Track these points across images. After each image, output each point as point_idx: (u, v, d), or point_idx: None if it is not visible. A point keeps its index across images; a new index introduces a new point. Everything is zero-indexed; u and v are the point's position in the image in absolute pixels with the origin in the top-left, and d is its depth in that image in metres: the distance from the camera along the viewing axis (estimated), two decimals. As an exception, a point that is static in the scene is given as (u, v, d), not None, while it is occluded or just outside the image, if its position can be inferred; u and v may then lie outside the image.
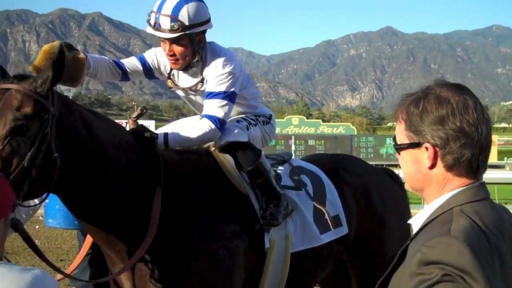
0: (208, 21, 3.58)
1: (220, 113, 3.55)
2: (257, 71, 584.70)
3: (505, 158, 45.82)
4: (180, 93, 3.84)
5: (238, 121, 3.79)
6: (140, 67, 3.72)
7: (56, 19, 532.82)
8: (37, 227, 12.55)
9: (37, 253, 2.93)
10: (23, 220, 3.44)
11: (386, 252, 4.36)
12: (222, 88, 3.57)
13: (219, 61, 3.60)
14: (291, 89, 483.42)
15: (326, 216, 3.99)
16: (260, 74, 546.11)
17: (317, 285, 4.57)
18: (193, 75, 3.68)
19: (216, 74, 3.57)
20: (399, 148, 1.89)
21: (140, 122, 3.65)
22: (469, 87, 1.81)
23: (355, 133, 52.27)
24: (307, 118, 71.32)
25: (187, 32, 3.45)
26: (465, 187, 1.78)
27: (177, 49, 3.49)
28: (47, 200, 3.17)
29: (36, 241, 2.82)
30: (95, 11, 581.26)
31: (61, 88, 3.18)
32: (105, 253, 3.34)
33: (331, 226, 3.99)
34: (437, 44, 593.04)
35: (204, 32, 3.59)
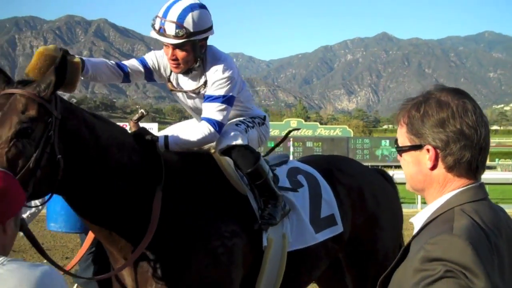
0: (210, 28, 3.58)
1: (219, 117, 3.56)
2: (257, 75, 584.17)
3: (497, 159, 45.87)
4: (180, 95, 3.84)
5: (236, 124, 3.79)
6: (142, 69, 3.70)
7: (63, 26, 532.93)
8: (44, 226, 12.53)
9: (39, 250, 2.95)
10: (27, 221, 3.42)
11: (379, 250, 4.41)
12: (221, 92, 3.58)
13: (220, 65, 3.60)
14: (289, 93, 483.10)
15: (321, 215, 4.02)
16: (260, 78, 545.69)
17: (313, 282, 4.58)
18: (193, 78, 3.68)
19: (216, 79, 3.58)
20: (401, 150, 1.90)
21: (143, 124, 3.67)
22: None
23: (352, 135, 52.37)
24: (305, 121, 71.39)
25: (191, 38, 3.45)
26: (465, 188, 1.80)
27: (180, 54, 3.48)
28: (47, 200, 3.15)
29: (42, 241, 2.59)
30: (100, 18, 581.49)
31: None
32: (108, 250, 3.35)
33: (326, 225, 4.01)
34: (431, 49, 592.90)
35: (206, 38, 3.59)
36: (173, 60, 3.51)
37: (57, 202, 3.78)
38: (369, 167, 5.55)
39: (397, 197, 4.85)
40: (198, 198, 3.46)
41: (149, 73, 3.74)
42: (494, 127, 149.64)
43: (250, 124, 3.86)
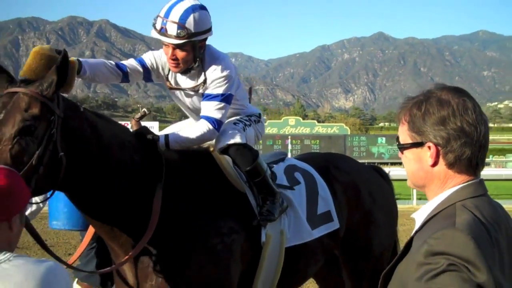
0: (210, 29, 3.57)
1: (217, 115, 3.57)
2: (256, 74, 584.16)
3: (490, 156, 45.86)
4: (178, 94, 3.83)
5: (234, 123, 3.80)
6: (140, 69, 3.69)
7: (65, 26, 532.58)
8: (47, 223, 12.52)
9: (42, 246, 2.98)
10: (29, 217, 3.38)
11: (375, 246, 4.42)
12: (220, 90, 3.58)
13: (218, 64, 3.60)
14: (288, 92, 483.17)
15: (318, 212, 4.02)
16: (259, 77, 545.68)
17: (311, 277, 4.59)
18: (191, 77, 3.68)
19: (214, 78, 3.58)
20: (402, 147, 1.91)
21: (144, 123, 3.66)
22: None
23: (349, 133, 52.36)
24: (303, 119, 71.29)
25: (192, 39, 3.44)
26: (465, 184, 1.81)
27: (180, 54, 3.48)
28: (49, 197, 3.16)
29: (45, 238, 2.63)
30: (102, 19, 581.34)
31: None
32: (110, 246, 3.36)
33: (322, 222, 4.02)
34: (426, 48, 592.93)
35: (205, 39, 3.58)
36: (173, 59, 3.50)
37: (59, 201, 3.81)
38: (366, 164, 5.51)
39: (392, 194, 4.86)
40: (198, 196, 3.46)
41: (147, 73, 3.73)
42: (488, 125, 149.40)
43: (247, 123, 3.86)
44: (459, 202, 1.76)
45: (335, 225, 4.09)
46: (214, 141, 3.72)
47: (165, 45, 3.50)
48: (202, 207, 3.43)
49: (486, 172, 21.95)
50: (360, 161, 5.63)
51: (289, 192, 3.91)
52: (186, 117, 4.19)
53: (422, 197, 21.43)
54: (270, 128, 52.85)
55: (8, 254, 2.09)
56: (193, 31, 3.42)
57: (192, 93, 3.73)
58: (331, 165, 4.44)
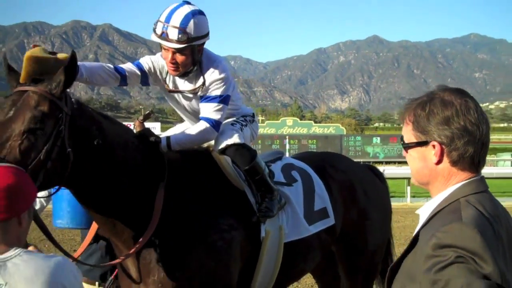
0: (208, 33, 3.58)
1: (217, 116, 3.58)
2: (254, 76, 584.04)
3: (482, 155, 45.77)
4: (176, 97, 3.82)
5: (232, 124, 3.81)
6: (138, 72, 3.66)
7: (69, 30, 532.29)
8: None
9: (50, 239, 3.01)
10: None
11: (369, 242, 4.44)
12: (218, 92, 3.59)
13: (215, 67, 3.60)
14: (285, 93, 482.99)
15: (314, 208, 4.04)
16: (257, 79, 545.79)
17: (308, 273, 4.60)
18: (189, 80, 3.67)
19: (212, 80, 3.58)
20: (407, 146, 1.93)
21: (147, 124, 3.67)
22: None
23: (344, 133, 52.29)
24: (300, 120, 71.27)
25: (192, 43, 3.44)
26: (468, 180, 1.83)
27: (180, 58, 3.47)
28: (53, 193, 3.17)
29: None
30: (105, 23, 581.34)
31: None
32: (113, 242, 3.38)
33: (318, 218, 4.04)
34: (419, 51, 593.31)
35: (204, 43, 3.58)
36: (172, 63, 3.49)
37: (63, 200, 3.83)
38: (361, 163, 5.53)
39: (386, 192, 4.89)
40: (198, 194, 3.47)
41: (145, 77, 3.70)
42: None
43: (243, 123, 3.87)
44: (463, 198, 1.79)
45: (331, 221, 4.10)
46: (213, 141, 3.74)
47: (165, 49, 3.49)
48: (202, 205, 3.44)
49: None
50: (356, 160, 5.65)
51: (286, 189, 3.92)
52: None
53: (416, 195, 21.47)
54: (269, 128, 52.89)
55: (18, 250, 2.12)
56: (193, 35, 3.42)
57: (190, 95, 3.73)
58: (327, 164, 4.45)
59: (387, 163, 37.83)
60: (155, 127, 39.16)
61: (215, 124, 3.58)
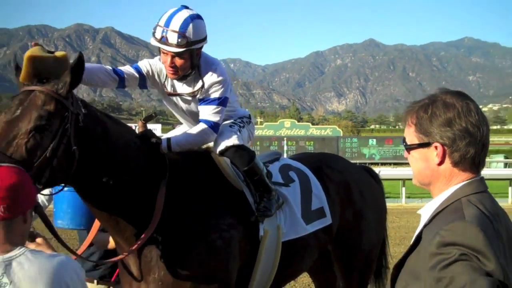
0: (206, 37, 3.57)
1: (215, 118, 3.58)
2: (253, 79, 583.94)
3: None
4: (174, 100, 3.80)
5: (230, 126, 3.81)
6: (137, 75, 3.65)
7: (72, 33, 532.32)
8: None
9: (53, 233, 2.99)
10: (33, 217, 3.36)
11: (364, 240, 4.46)
12: (217, 94, 3.59)
13: (213, 70, 3.60)
14: (283, 95, 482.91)
15: (312, 208, 4.05)
16: (256, 82, 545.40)
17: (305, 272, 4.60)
18: (188, 83, 3.66)
19: (211, 82, 3.58)
20: (409, 148, 1.94)
21: (148, 125, 3.64)
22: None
23: (341, 135, 52.36)
24: (298, 122, 71.22)
25: (191, 47, 3.44)
26: (469, 181, 1.85)
27: (179, 62, 3.46)
28: (62, 188, 3.13)
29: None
30: (107, 26, 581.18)
31: None
32: (115, 241, 3.38)
33: (316, 217, 4.05)
34: (414, 54, 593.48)
35: (202, 47, 3.58)
36: (171, 67, 3.49)
37: (64, 201, 3.85)
38: (357, 164, 5.56)
39: (382, 193, 4.90)
40: (199, 194, 3.48)
41: (143, 80, 3.69)
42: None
43: (241, 125, 3.87)
44: (464, 198, 1.80)
45: (328, 220, 4.11)
46: (212, 143, 3.74)
47: (164, 53, 3.48)
48: (202, 205, 3.45)
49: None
50: (352, 161, 5.64)
51: (284, 189, 3.93)
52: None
53: (411, 196, 21.48)
54: (267, 130, 52.87)
55: (23, 249, 2.13)
56: (192, 39, 3.41)
57: (189, 98, 3.71)
58: (324, 164, 4.46)
59: (383, 164, 37.83)
60: (156, 128, 39.17)
61: (214, 126, 3.58)
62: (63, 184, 2.96)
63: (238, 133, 3.75)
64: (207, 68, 3.61)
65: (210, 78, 3.58)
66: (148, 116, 3.66)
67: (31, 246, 2.49)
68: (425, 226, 1.85)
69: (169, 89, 3.70)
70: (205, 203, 3.47)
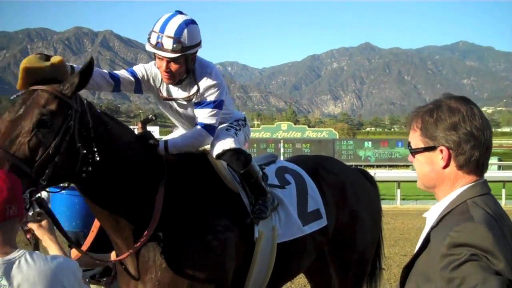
0: (200, 42, 3.56)
1: (212, 121, 3.59)
2: (251, 82, 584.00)
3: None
4: (170, 104, 3.79)
5: (227, 129, 3.80)
6: (132, 79, 3.64)
7: (71, 36, 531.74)
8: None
9: (58, 228, 3.00)
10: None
11: (359, 242, 4.48)
12: (212, 98, 3.59)
13: (209, 74, 3.60)
14: (280, 98, 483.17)
15: (308, 210, 4.06)
16: (253, 85, 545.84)
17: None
18: (183, 88, 3.65)
19: (207, 86, 3.58)
20: (415, 151, 1.96)
21: (148, 127, 3.66)
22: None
23: (337, 138, 52.27)
24: (295, 124, 71.25)
25: (186, 52, 3.43)
26: (473, 183, 1.87)
27: (174, 67, 3.46)
28: (63, 188, 3.21)
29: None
30: (106, 29, 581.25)
31: None
32: (113, 241, 3.38)
33: (312, 219, 4.06)
34: (410, 58, 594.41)
35: (197, 51, 3.58)
36: (167, 72, 3.48)
37: (62, 204, 3.83)
38: (353, 166, 5.53)
39: (377, 195, 4.91)
40: (195, 195, 3.49)
41: (138, 84, 3.68)
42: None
43: (237, 128, 3.88)
44: (470, 200, 1.82)
45: (323, 222, 4.13)
46: (209, 146, 3.74)
47: (159, 58, 3.47)
48: (199, 206, 3.46)
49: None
50: (348, 163, 5.68)
51: (280, 191, 3.95)
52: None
53: (406, 198, 21.50)
54: (264, 132, 52.83)
55: (22, 251, 2.14)
56: (187, 44, 3.41)
57: (185, 103, 3.71)
58: (319, 166, 4.47)
59: (378, 166, 37.89)
60: (154, 130, 39.06)
61: (211, 129, 3.59)
62: (66, 183, 3.02)
63: (235, 136, 3.74)
64: (202, 71, 3.61)
65: (205, 81, 3.57)
66: (148, 119, 3.66)
67: (33, 226, 2.56)
68: (432, 228, 1.86)
69: (164, 93, 3.69)
70: (202, 204, 3.48)
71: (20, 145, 2.63)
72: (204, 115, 3.58)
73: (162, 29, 3.39)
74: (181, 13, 3.49)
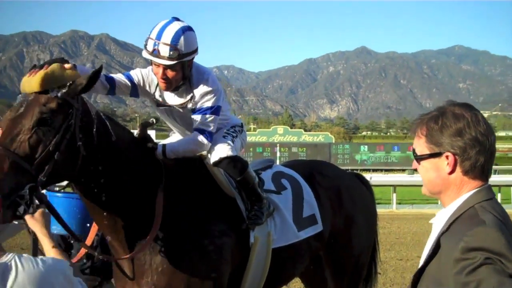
0: (197, 48, 3.56)
1: (209, 127, 3.59)
2: (247, 86, 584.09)
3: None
4: (165, 110, 3.80)
5: (224, 136, 3.80)
6: (128, 83, 3.64)
7: (67, 40, 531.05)
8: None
9: (60, 223, 3.05)
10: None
11: (355, 246, 4.50)
12: (209, 104, 3.58)
13: (205, 80, 3.60)
14: (276, 102, 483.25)
15: (303, 215, 4.08)
16: (249, 88, 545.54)
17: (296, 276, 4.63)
18: (179, 94, 3.65)
19: (203, 92, 3.57)
20: (420, 158, 1.97)
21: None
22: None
23: (333, 141, 52.51)
24: (291, 128, 71.50)
25: (183, 60, 3.42)
26: (479, 188, 1.89)
27: (170, 73, 3.45)
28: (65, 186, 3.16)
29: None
30: (102, 33, 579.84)
31: None
32: (110, 242, 3.39)
33: (307, 224, 4.08)
34: (406, 62, 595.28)
35: (193, 58, 3.57)
36: (163, 79, 3.47)
37: (58, 208, 3.83)
38: (349, 170, 5.60)
39: (372, 199, 4.94)
40: (192, 200, 3.50)
41: (134, 89, 3.68)
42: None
43: (234, 134, 3.88)
44: (478, 204, 1.84)
45: (319, 227, 4.15)
46: (206, 152, 3.74)
47: (156, 65, 3.46)
48: (196, 210, 3.48)
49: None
50: (344, 167, 5.70)
51: (275, 197, 3.96)
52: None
53: (402, 202, 21.57)
54: (260, 136, 52.96)
55: (11, 255, 2.14)
56: (183, 52, 3.40)
57: (180, 109, 3.71)
58: (315, 171, 4.50)
59: (374, 170, 37.96)
60: (150, 134, 39.03)
61: (208, 135, 3.59)
62: (65, 182, 3.02)
63: (232, 143, 3.75)
64: (199, 78, 3.60)
65: (202, 88, 3.57)
66: (148, 122, 3.66)
67: (27, 217, 2.60)
68: (442, 233, 1.87)
69: (160, 99, 3.69)
70: (198, 208, 3.50)
71: (20, 142, 2.66)
72: (201, 122, 3.58)
73: (159, 36, 3.38)
74: (178, 19, 3.49)
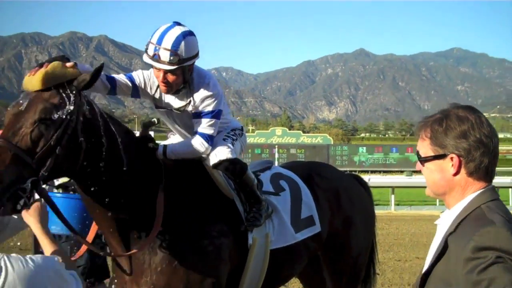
0: (198, 53, 3.56)
1: (210, 131, 3.60)
2: (245, 87, 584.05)
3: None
4: (165, 113, 3.81)
5: (224, 139, 3.81)
6: (130, 84, 3.64)
7: (66, 41, 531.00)
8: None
9: (60, 218, 3.05)
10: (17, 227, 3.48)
11: (353, 246, 4.52)
12: (210, 108, 3.59)
13: (206, 84, 3.60)
14: (275, 104, 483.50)
15: (301, 216, 4.10)
16: (248, 90, 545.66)
17: (295, 277, 4.67)
18: (179, 97, 3.65)
19: (204, 96, 3.58)
20: (424, 160, 1.99)
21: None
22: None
23: (332, 143, 52.47)
24: (289, 130, 71.43)
25: (183, 64, 3.43)
26: (483, 190, 1.91)
27: (171, 78, 3.45)
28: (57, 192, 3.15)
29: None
30: (101, 34, 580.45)
31: None
32: (108, 241, 3.40)
33: (305, 225, 4.10)
34: (404, 64, 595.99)
35: (194, 62, 3.58)
36: (164, 83, 3.48)
37: (58, 208, 3.89)
38: (348, 172, 5.60)
39: (370, 200, 4.95)
40: (192, 201, 3.52)
41: (135, 90, 3.68)
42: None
43: (234, 138, 3.90)
44: (484, 205, 1.86)
45: (317, 228, 4.17)
46: (206, 155, 3.74)
47: (157, 69, 3.47)
48: (195, 211, 3.49)
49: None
50: (342, 169, 5.68)
51: (274, 198, 3.98)
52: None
53: (400, 203, 21.59)
54: (258, 138, 52.93)
55: (1, 254, 2.13)
56: (184, 57, 3.40)
57: (179, 113, 3.72)
58: (314, 173, 4.51)
59: (373, 172, 38.00)
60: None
61: (209, 139, 3.61)
62: (63, 180, 3.00)
63: (231, 146, 3.76)
64: (200, 82, 3.61)
65: (203, 92, 3.58)
66: (150, 122, 3.67)
67: (23, 213, 2.61)
68: (449, 234, 1.88)
69: (161, 102, 3.71)
70: (198, 209, 3.51)
71: (22, 136, 2.67)
72: (202, 125, 3.60)
73: (160, 41, 3.38)
74: (179, 24, 3.49)
